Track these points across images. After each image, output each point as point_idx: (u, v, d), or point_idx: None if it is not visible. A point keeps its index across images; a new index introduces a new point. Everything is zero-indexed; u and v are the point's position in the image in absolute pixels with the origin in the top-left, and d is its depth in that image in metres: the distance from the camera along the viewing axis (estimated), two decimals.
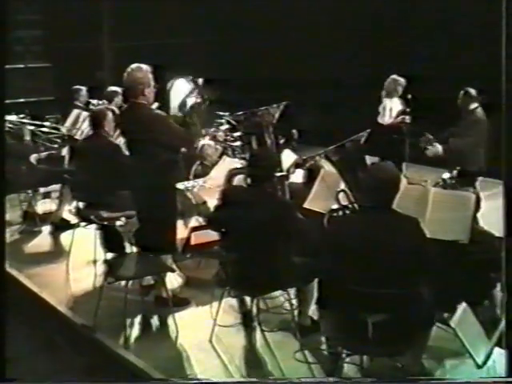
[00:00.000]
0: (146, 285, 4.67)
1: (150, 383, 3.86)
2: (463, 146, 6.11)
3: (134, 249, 4.65)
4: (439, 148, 6.10)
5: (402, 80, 6.78)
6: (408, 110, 6.69)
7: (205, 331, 4.13)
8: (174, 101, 4.99)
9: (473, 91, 6.31)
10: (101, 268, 4.71)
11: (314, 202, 4.38)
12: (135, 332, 4.32)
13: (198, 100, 4.90)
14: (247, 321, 4.27)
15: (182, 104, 4.59)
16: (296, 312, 4.12)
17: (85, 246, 5.42)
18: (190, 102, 4.61)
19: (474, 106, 6.23)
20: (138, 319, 4.44)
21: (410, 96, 6.49)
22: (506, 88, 2.99)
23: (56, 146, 7.01)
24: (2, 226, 3.46)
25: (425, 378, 3.56)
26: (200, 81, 5.46)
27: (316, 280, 3.70)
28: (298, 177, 5.17)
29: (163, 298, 4.48)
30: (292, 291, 4.13)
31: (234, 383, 3.78)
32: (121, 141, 5.49)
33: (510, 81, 3.18)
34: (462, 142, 6.11)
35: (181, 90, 4.72)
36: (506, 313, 3.07)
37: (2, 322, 3.27)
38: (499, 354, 3.37)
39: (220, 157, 5.76)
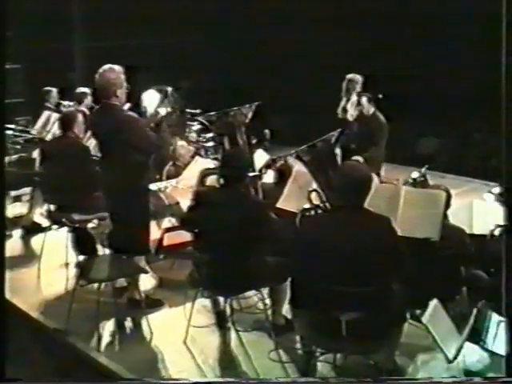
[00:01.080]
0: (119, 287, 4.64)
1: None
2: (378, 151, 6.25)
3: (107, 251, 4.62)
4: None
5: (358, 78, 6.85)
6: (372, 108, 6.75)
7: (179, 332, 4.12)
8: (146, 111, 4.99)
9: (369, 95, 6.44)
10: (73, 271, 4.67)
11: (287, 201, 4.39)
12: (108, 335, 4.29)
13: (169, 109, 4.91)
14: (221, 321, 4.27)
15: (154, 114, 4.60)
16: (270, 311, 4.14)
17: (56, 249, 5.37)
18: (162, 112, 4.62)
19: (372, 110, 6.34)
20: (111, 322, 4.41)
21: (380, 95, 6.55)
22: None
23: (26, 148, 6.92)
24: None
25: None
26: (170, 90, 5.47)
27: (289, 279, 3.71)
28: (270, 177, 5.19)
29: (136, 299, 4.46)
30: (265, 291, 4.14)
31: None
32: (92, 143, 5.45)
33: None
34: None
35: (151, 101, 4.73)
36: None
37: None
38: (469, 349, 3.42)
39: (193, 157, 5.75)
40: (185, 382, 3.80)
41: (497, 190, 4.78)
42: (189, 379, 3.76)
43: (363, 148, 6.22)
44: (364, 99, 6.40)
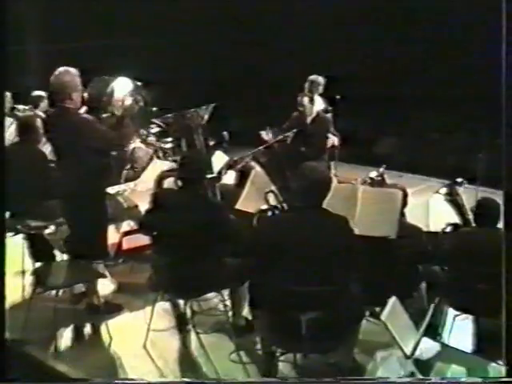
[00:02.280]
0: (78, 293, 4.58)
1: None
2: None
3: (65, 257, 4.55)
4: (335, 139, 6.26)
5: (320, 79, 6.91)
6: (330, 108, 6.82)
7: (139, 337, 4.08)
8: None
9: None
10: (29, 278, 4.57)
11: (246, 202, 4.40)
12: (67, 342, 4.22)
13: (135, 102, 4.85)
14: (181, 324, 4.25)
15: (120, 102, 4.51)
16: (230, 313, 4.13)
17: (12, 257, 5.24)
18: (128, 102, 4.56)
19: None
20: (69, 328, 4.34)
21: (338, 96, 6.62)
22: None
23: None
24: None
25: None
26: (139, 83, 5.42)
27: (249, 280, 3.72)
28: (229, 178, 5.19)
29: (95, 305, 4.40)
30: (225, 292, 4.14)
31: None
32: (48, 148, 5.36)
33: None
34: None
35: (120, 88, 4.67)
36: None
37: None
38: (426, 344, 3.48)
39: (151, 159, 5.71)
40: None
41: (444, 189, 4.88)
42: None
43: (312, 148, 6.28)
44: (305, 99, 6.43)
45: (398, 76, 8.63)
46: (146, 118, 5.89)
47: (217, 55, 9.60)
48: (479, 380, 3.51)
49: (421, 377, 3.35)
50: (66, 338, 4.25)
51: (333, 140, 6.34)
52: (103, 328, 4.26)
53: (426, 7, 8.35)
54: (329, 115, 6.67)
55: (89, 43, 9.32)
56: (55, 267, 4.31)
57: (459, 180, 5.09)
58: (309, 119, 6.42)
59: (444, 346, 3.89)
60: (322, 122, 6.49)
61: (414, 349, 3.40)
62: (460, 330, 4.17)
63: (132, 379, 3.75)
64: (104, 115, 4.55)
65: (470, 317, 4.17)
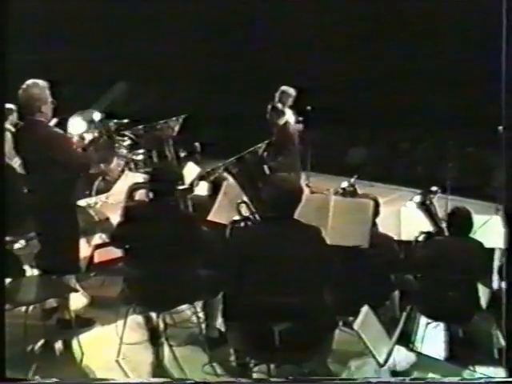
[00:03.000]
0: (49, 308, 4.50)
1: None
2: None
3: (35, 272, 4.48)
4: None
5: (291, 91, 6.96)
6: (300, 119, 6.87)
7: (111, 351, 4.03)
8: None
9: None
10: None
11: (218, 214, 4.39)
12: (37, 359, 4.14)
13: (96, 134, 4.87)
14: (154, 337, 4.21)
15: (80, 140, 4.56)
16: (203, 325, 4.12)
17: None
18: (88, 137, 4.58)
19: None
20: (40, 344, 4.26)
21: (309, 107, 6.66)
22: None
23: None
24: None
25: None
26: (98, 116, 5.42)
27: (222, 292, 3.70)
28: (204, 189, 5.17)
29: (66, 320, 4.33)
30: (198, 304, 4.12)
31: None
32: (17, 161, 5.28)
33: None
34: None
35: (78, 127, 4.68)
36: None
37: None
38: (399, 352, 3.51)
39: (122, 171, 5.67)
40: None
41: (417, 198, 4.94)
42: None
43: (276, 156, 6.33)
44: (270, 109, 6.48)
45: (369, 87, 8.74)
46: (113, 144, 5.91)
47: (188, 66, 9.61)
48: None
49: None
50: (36, 354, 4.17)
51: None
52: (75, 343, 4.20)
53: (399, 20, 8.49)
54: (298, 126, 6.70)
55: (58, 55, 9.24)
56: (26, 283, 4.24)
57: (434, 189, 5.16)
58: (275, 129, 6.48)
59: (417, 354, 3.92)
60: (289, 133, 6.54)
61: (388, 357, 3.42)
62: (432, 338, 4.21)
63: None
64: None
65: (442, 324, 4.22)
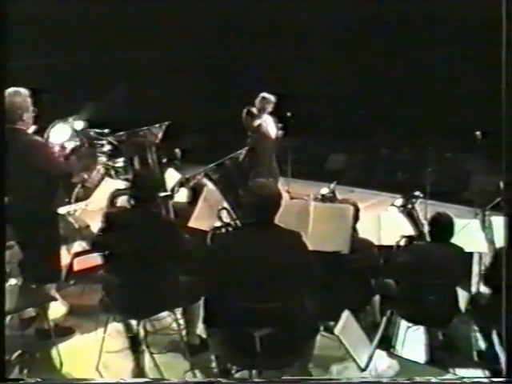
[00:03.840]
0: (27, 317, 4.45)
1: None
2: None
3: (14, 281, 4.42)
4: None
5: (271, 97, 6.99)
6: (280, 125, 6.90)
7: (91, 359, 3.99)
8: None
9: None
10: None
11: (198, 220, 4.38)
12: (15, 370, 4.08)
13: (78, 143, 4.85)
14: (135, 345, 4.18)
15: (61, 149, 4.54)
16: (184, 332, 4.10)
17: None
18: (70, 146, 4.56)
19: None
20: (18, 355, 4.20)
21: (289, 114, 6.69)
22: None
23: None
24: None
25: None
26: (80, 124, 5.39)
27: (202, 298, 3.69)
28: (182, 196, 5.16)
29: (45, 329, 4.28)
30: (179, 311, 4.10)
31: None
32: None
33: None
34: None
35: (59, 135, 4.66)
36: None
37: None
38: (379, 356, 3.52)
39: (102, 178, 5.62)
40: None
41: (399, 202, 4.98)
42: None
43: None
44: (244, 114, 6.53)
45: (349, 94, 8.80)
46: (94, 152, 5.89)
47: (170, 73, 9.60)
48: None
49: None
50: (14, 365, 4.11)
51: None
52: (54, 352, 4.15)
53: (377, 28, 8.57)
54: (278, 132, 6.72)
55: (38, 62, 9.18)
56: (4, 292, 4.17)
57: (416, 193, 5.21)
58: (256, 135, 6.50)
59: (398, 358, 3.94)
60: (269, 139, 6.57)
61: (369, 361, 3.43)
62: (413, 341, 4.23)
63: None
64: None
65: (422, 328, 4.25)
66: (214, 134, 9.24)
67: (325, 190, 5.05)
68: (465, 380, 3.60)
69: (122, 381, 3.80)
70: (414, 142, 8.64)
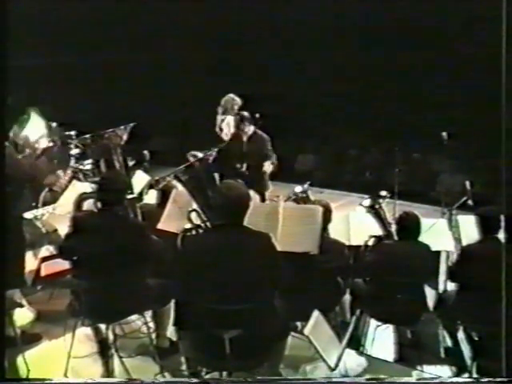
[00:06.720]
0: None
1: None
2: None
3: None
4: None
5: (237, 98, 6.99)
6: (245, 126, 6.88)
7: (59, 365, 3.93)
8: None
9: (247, 114, 6.64)
10: None
11: (168, 222, 4.36)
12: None
13: (50, 143, 4.77)
14: (104, 349, 4.13)
15: (33, 147, 4.46)
16: (154, 335, 4.07)
17: None
18: (42, 144, 4.49)
19: (250, 129, 6.52)
20: None
21: (257, 115, 6.69)
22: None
23: None
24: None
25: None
26: (52, 124, 5.32)
27: (172, 301, 3.67)
28: (153, 198, 5.12)
29: (11, 337, 4.20)
30: (148, 314, 4.07)
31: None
32: None
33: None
34: None
35: (31, 134, 4.59)
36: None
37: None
38: (349, 355, 3.55)
39: (70, 181, 5.55)
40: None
41: (367, 202, 5.02)
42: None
43: (261, 164, 6.33)
44: (218, 118, 6.52)
45: (317, 95, 8.85)
46: (66, 152, 5.82)
47: (136, 74, 9.54)
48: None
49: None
50: None
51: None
52: (19, 360, 4.07)
53: (348, 28, 8.63)
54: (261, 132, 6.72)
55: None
56: None
57: (383, 193, 5.26)
58: (225, 137, 6.49)
59: (368, 357, 3.98)
60: (257, 139, 6.56)
61: (338, 361, 3.46)
62: (382, 340, 4.27)
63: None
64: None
65: (391, 326, 4.29)
66: (183, 135, 9.20)
67: (299, 189, 5.08)
68: (442, 380, 3.65)
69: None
70: (381, 143, 8.72)
